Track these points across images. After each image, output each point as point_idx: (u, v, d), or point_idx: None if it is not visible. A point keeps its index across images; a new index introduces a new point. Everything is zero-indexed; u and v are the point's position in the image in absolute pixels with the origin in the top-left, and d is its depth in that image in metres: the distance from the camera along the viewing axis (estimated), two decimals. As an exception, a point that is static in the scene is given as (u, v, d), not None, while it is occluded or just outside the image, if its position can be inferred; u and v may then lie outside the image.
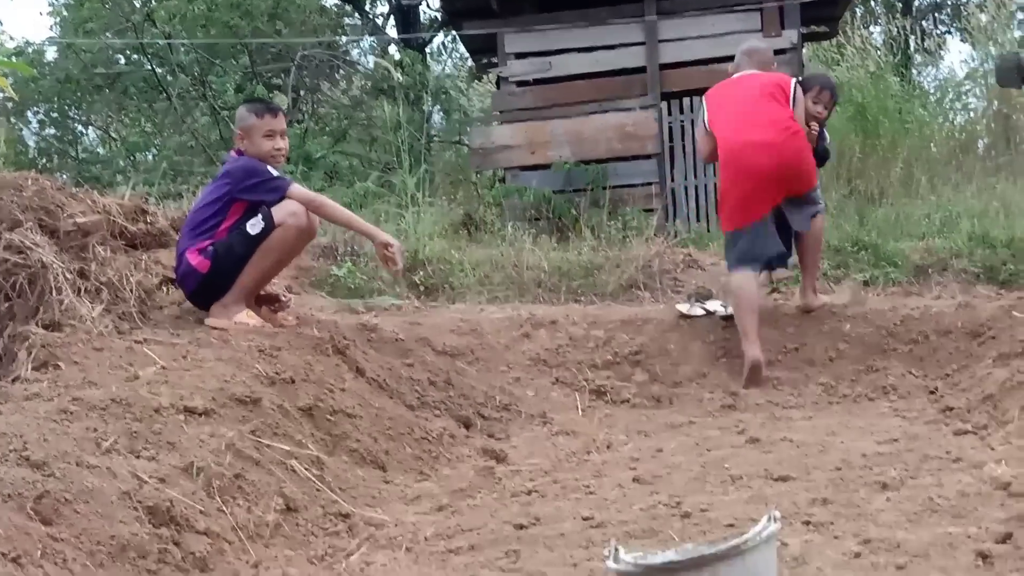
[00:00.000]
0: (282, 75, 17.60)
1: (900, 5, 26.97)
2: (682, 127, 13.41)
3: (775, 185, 6.99)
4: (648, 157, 13.27)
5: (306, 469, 4.38)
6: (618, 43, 13.46)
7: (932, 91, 18.34)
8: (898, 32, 19.29)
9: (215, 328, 5.51)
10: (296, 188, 5.92)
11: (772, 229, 7.13)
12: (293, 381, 4.97)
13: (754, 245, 7.07)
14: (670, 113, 13.37)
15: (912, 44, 20.10)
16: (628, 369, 6.95)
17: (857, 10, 23.66)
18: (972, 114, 16.34)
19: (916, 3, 28.64)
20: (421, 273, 8.90)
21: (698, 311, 7.32)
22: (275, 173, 5.85)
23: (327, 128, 17.33)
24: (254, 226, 5.72)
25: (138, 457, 3.75)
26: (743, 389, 6.62)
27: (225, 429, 4.20)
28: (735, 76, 7.41)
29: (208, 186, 6.10)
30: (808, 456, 4.90)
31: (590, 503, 4.32)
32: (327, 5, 22.02)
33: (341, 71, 18.90)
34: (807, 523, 3.77)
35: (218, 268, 5.68)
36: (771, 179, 6.94)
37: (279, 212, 5.75)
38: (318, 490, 4.32)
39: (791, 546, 3.48)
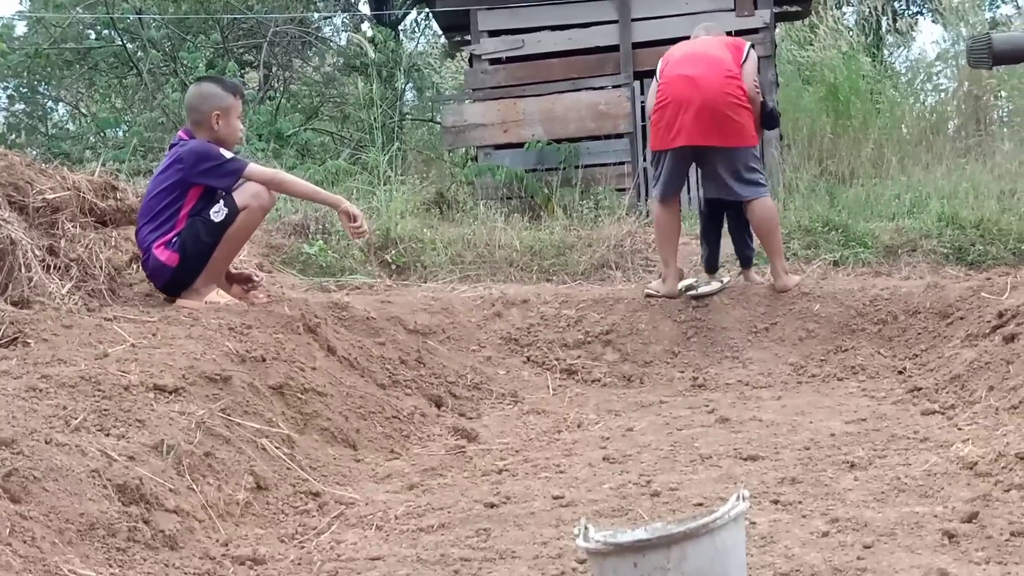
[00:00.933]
0: (254, 51, 17.50)
1: (873, -15, 26.98)
2: (655, 106, 13.40)
3: (699, 118, 7.09)
4: (620, 136, 13.26)
5: (276, 447, 4.38)
6: (591, 21, 13.44)
7: (903, 72, 18.40)
8: (870, 13, 19.31)
9: (185, 307, 5.50)
10: (253, 168, 5.86)
11: (684, 172, 7.51)
12: (264, 359, 4.96)
13: (670, 174, 7.36)
14: (643, 92, 13.33)
15: (884, 25, 20.13)
16: (599, 348, 6.97)
17: (830, -10, 23.67)
18: (943, 95, 16.38)
19: (889, -17, 28.70)
20: (393, 251, 8.89)
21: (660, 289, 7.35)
22: (228, 155, 5.75)
23: (299, 105, 17.24)
24: (218, 213, 5.67)
25: (107, 435, 3.74)
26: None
27: (195, 407, 4.19)
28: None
29: (159, 171, 5.89)
30: (777, 436, 4.93)
31: (560, 482, 4.34)
32: (299, -20, 21.90)
33: (313, 48, 18.80)
34: (775, 502, 3.80)
35: (187, 258, 5.63)
36: (695, 110, 7.08)
37: (241, 195, 5.71)
38: (288, 468, 4.32)
39: (760, 525, 3.50)
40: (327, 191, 6.72)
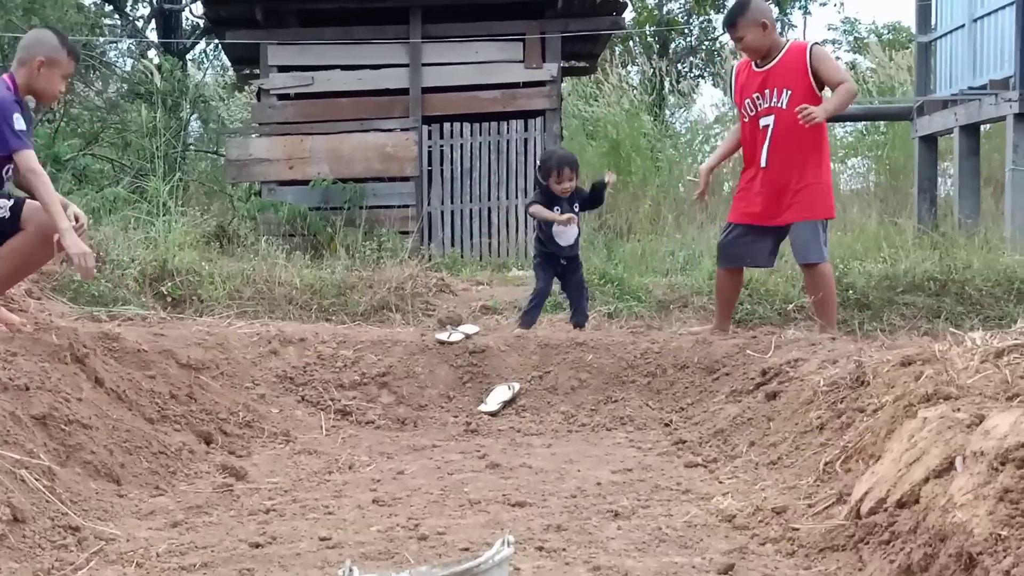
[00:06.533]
0: (34, 71, 17.00)
1: (657, 47, 27.86)
2: (441, 151, 13.54)
3: None
4: (406, 179, 13.35)
5: (36, 479, 4.25)
6: (382, 63, 13.51)
7: (683, 132, 18.97)
8: (654, 73, 19.87)
9: (-54, 330, 5.31)
10: (30, 153, 5.65)
11: None
12: (27, 388, 4.81)
13: None
14: (430, 137, 13.48)
15: (667, 85, 20.73)
16: (375, 390, 6.95)
17: (616, 48, 24.31)
18: (719, 156, 16.90)
19: (673, 46, 29.59)
20: (169, 284, 8.74)
21: (457, 336, 7.35)
22: (20, 127, 5.58)
23: (79, 129, 16.83)
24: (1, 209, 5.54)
25: None
26: None
27: (-49, 436, 4.05)
28: None
29: None
30: (545, 483, 5.00)
31: (328, 523, 4.31)
32: (85, 3, 21.43)
33: (97, 72, 18.37)
34: (540, 548, 3.85)
35: None
36: None
37: (30, 211, 5.56)
38: (47, 501, 4.19)
39: (523, 571, 3.54)
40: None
